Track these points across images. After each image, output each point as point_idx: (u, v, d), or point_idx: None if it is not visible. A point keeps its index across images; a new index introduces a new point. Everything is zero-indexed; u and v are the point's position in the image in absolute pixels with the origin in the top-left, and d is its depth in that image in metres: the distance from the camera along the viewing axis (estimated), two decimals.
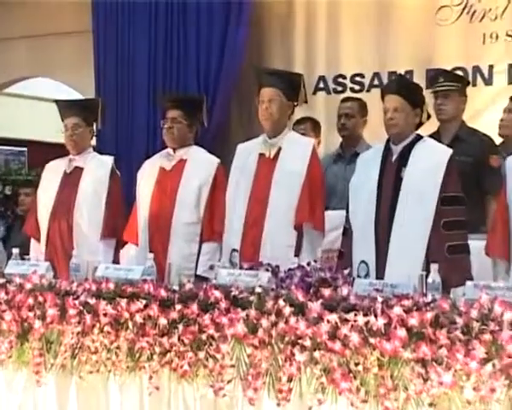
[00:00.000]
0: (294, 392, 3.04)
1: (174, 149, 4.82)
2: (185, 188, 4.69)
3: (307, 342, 2.96)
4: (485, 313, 2.77)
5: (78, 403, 3.66)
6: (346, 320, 2.90)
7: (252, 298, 3.17)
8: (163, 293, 3.39)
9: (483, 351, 2.68)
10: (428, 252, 3.81)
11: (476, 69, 6.03)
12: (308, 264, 3.47)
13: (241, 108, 6.71)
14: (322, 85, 6.59)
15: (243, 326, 3.11)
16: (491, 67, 6.01)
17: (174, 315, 3.31)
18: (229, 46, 6.49)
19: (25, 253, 4.37)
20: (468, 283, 3.05)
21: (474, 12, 6.05)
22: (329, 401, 2.96)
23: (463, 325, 2.75)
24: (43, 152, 6.60)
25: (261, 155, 4.49)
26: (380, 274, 3.81)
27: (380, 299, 2.91)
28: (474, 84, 5.93)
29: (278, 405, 3.06)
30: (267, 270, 3.48)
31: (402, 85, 4.18)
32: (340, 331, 2.90)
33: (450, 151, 3.99)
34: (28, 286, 3.73)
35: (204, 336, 3.24)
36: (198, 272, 4.59)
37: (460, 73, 5.79)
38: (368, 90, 6.37)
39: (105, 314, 3.46)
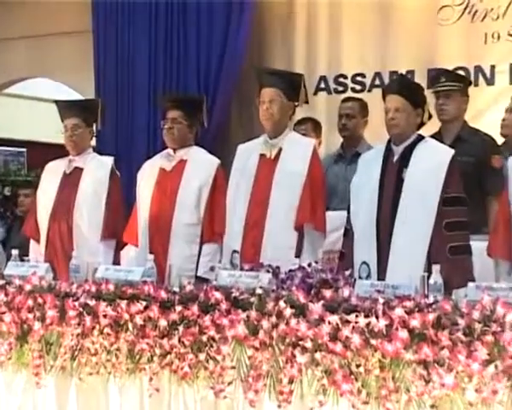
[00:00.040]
0: (295, 394, 3.03)
1: (174, 150, 4.80)
2: (185, 189, 4.68)
3: (308, 344, 2.95)
4: (487, 314, 2.75)
5: (77, 405, 3.65)
6: (348, 322, 2.89)
7: (252, 299, 3.16)
8: (163, 294, 3.37)
9: (485, 352, 2.66)
10: (430, 253, 3.81)
11: (478, 69, 6.02)
12: (309, 265, 3.46)
13: (241, 109, 6.71)
14: (323, 85, 6.58)
15: (244, 328, 3.10)
16: (492, 66, 6.00)
17: (174, 317, 3.30)
18: (230, 46, 6.48)
19: (24, 254, 4.35)
20: (470, 284, 3.03)
21: (476, 12, 6.04)
22: (330, 402, 2.95)
23: (465, 327, 2.74)
24: (43, 153, 6.57)
25: (262, 155, 4.48)
26: (381, 275, 3.80)
27: (381, 300, 2.89)
28: (476, 84, 5.92)
29: (279, 407, 3.05)
30: (268, 271, 3.47)
31: (403, 85, 4.17)
32: (342, 333, 2.88)
33: (451, 152, 3.98)
34: (28, 287, 3.72)
35: (204, 338, 3.23)
36: (198, 274, 4.57)
37: (462, 72, 5.77)
38: (369, 91, 6.36)
39: (105, 316, 3.45)
